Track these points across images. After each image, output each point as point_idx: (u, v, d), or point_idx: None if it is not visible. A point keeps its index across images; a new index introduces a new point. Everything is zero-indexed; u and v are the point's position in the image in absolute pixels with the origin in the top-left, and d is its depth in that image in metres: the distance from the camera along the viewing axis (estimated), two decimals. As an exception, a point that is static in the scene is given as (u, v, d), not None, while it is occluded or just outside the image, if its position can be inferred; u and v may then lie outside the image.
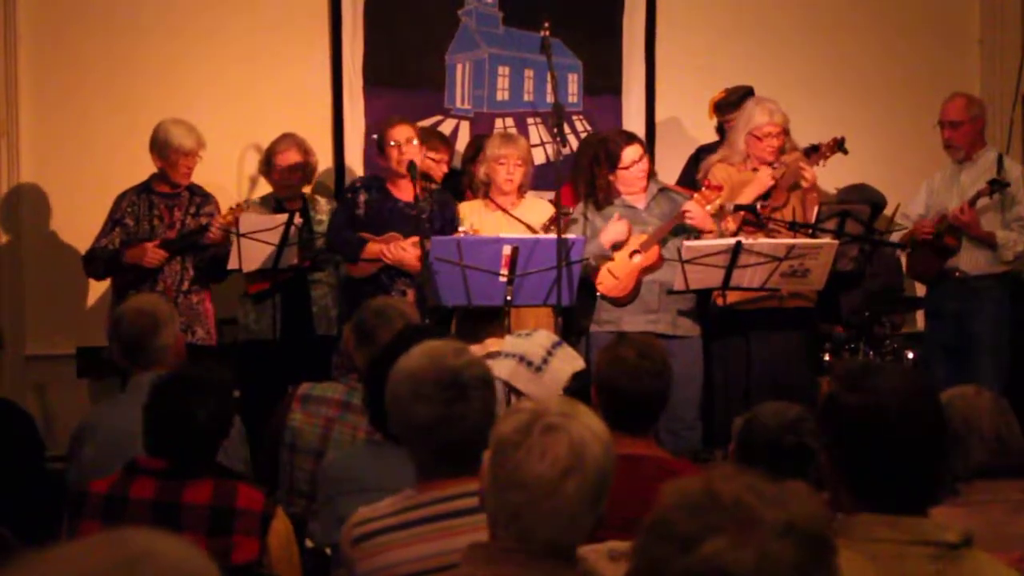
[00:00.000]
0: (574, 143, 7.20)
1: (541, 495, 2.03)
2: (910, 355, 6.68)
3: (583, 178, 6.14)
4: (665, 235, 5.78)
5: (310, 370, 4.99)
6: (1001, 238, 6.16)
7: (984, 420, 3.08)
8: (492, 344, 5.34)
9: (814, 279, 5.61)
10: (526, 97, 7.38)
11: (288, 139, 6.44)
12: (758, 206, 5.78)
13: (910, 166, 7.20)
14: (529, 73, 7.38)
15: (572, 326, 5.86)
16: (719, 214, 5.81)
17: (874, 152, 7.29)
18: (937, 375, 6.04)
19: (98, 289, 6.63)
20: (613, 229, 5.75)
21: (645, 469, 3.19)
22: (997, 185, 6.09)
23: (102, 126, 6.84)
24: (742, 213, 5.84)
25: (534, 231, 5.84)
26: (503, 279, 5.41)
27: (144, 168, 6.20)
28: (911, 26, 7.80)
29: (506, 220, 5.92)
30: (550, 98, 6.36)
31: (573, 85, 7.42)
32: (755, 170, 5.98)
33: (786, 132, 5.98)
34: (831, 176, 6.61)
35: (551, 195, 6.45)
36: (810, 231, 5.83)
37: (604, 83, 7.45)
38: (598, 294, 5.82)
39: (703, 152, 6.57)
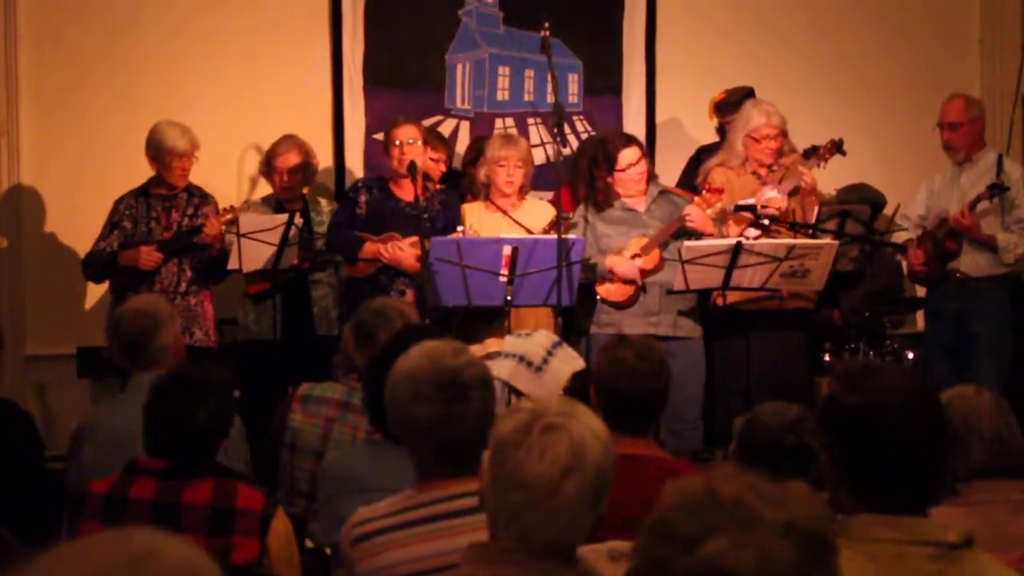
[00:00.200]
0: (574, 143, 7.21)
1: (541, 495, 2.03)
2: (910, 355, 6.68)
3: (582, 180, 6.14)
4: (666, 238, 5.78)
5: (310, 370, 4.99)
6: (1002, 241, 6.16)
7: (984, 420, 3.08)
8: (492, 344, 5.34)
9: (814, 279, 5.61)
10: (526, 97, 7.38)
11: (289, 141, 6.44)
12: (758, 206, 5.78)
13: (910, 166, 7.20)
14: (529, 73, 7.38)
15: (572, 326, 5.86)
16: (720, 218, 5.81)
17: (874, 152, 7.29)
18: (937, 375, 6.04)
19: (98, 289, 6.62)
20: (623, 266, 5.73)
21: (645, 469, 3.19)
22: (997, 189, 6.08)
23: (102, 126, 6.84)
24: (742, 216, 5.82)
25: (534, 234, 5.83)
26: (503, 279, 5.41)
27: (144, 168, 6.20)
28: (911, 26, 7.80)
29: (506, 222, 5.92)
30: (550, 98, 6.36)
31: (573, 85, 7.42)
32: (754, 173, 5.98)
33: (784, 134, 5.98)
34: (831, 176, 6.60)
35: (551, 195, 6.47)
36: (810, 231, 5.83)
37: (604, 83, 7.45)
38: (598, 298, 5.82)
39: (703, 153, 6.57)
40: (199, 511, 3.09)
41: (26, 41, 6.85)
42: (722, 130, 6.61)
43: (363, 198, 6.09)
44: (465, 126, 7.28)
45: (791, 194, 5.91)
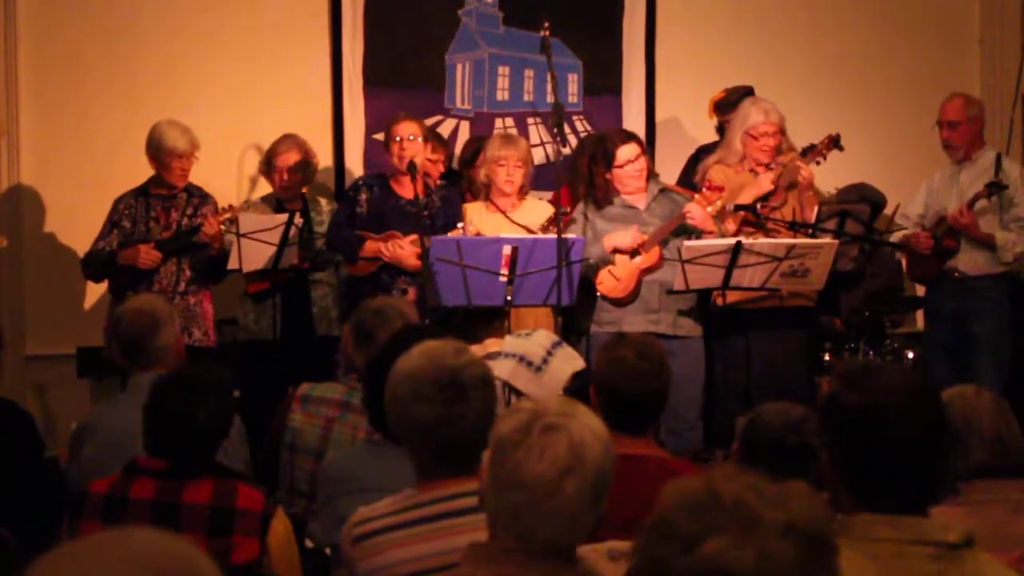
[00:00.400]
0: (574, 143, 7.20)
1: (541, 495, 2.03)
2: (910, 355, 6.68)
3: (581, 178, 6.14)
4: (666, 236, 5.78)
5: (310, 370, 4.98)
6: (1000, 239, 6.16)
7: (984, 420, 3.08)
8: (492, 344, 5.34)
9: (814, 279, 5.61)
10: (526, 97, 7.38)
11: (289, 140, 6.44)
12: (758, 206, 5.78)
13: (910, 166, 7.20)
14: (529, 73, 7.38)
15: (572, 326, 5.86)
16: (719, 215, 5.81)
17: (874, 152, 7.29)
18: (937, 375, 6.04)
19: (98, 289, 6.62)
20: (622, 236, 5.73)
21: (645, 469, 3.19)
22: (995, 187, 6.09)
23: (102, 126, 6.84)
24: (741, 214, 5.84)
25: (533, 233, 5.83)
26: (503, 279, 5.41)
27: (144, 168, 6.20)
28: (911, 26, 7.80)
29: (506, 222, 5.93)
30: (550, 98, 6.36)
31: (573, 85, 7.43)
32: (752, 171, 5.99)
33: (782, 131, 5.98)
34: (831, 176, 6.61)
35: (550, 195, 6.47)
36: (810, 231, 5.83)
37: (604, 83, 7.45)
38: (598, 294, 5.82)
39: (703, 152, 6.57)
40: (199, 511, 3.09)
41: (26, 41, 6.85)
42: (722, 129, 6.61)
43: (363, 196, 6.09)
44: (465, 126, 7.28)
45: (788, 188, 5.92)
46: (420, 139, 5.99)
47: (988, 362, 6.14)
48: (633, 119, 7.41)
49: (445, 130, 7.20)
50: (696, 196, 5.77)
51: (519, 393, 3.89)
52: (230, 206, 6.12)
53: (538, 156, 7.03)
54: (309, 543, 3.60)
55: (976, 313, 6.20)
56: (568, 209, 6.01)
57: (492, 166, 5.99)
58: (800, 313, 5.95)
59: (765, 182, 5.86)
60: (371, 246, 5.97)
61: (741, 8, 7.62)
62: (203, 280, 6.20)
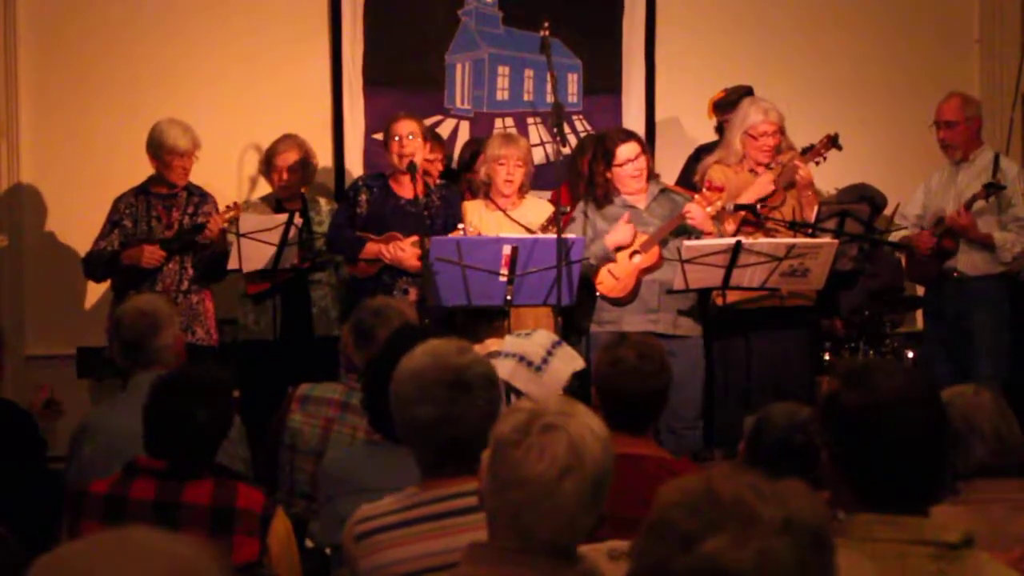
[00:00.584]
0: (574, 143, 7.20)
1: (540, 494, 2.03)
2: (910, 354, 6.68)
3: (581, 177, 6.14)
4: (665, 235, 5.78)
5: (310, 370, 4.98)
6: (998, 240, 6.16)
7: (984, 419, 3.09)
8: (492, 344, 5.33)
9: (814, 279, 5.61)
10: (526, 97, 7.38)
11: (288, 140, 6.44)
12: (758, 206, 5.78)
13: (910, 165, 7.19)
14: (529, 73, 7.38)
15: (572, 326, 5.86)
16: (719, 216, 5.81)
17: (874, 151, 7.29)
18: (937, 374, 6.03)
19: (98, 289, 6.63)
20: (620, 232, 5.74)
21: (645, 468, 3.19)
22: (993, 188, 6.08)
23: (102, 126, 6.85)
24: (741, 214, 5.84)
25: (533, 232, 5.84)
26: (503, 279, 5.41)
27: (144, 168, 6.20)
28: (910, 26, 7.80)
29: (507, 221, 5.93)
30: (550, 98, 6.36)
31: (573, 85, 7.43)
32: (752, 171, 5.99)
33: (782, 131, 5.98)
34: (831, 176, 6.61)
35: (550, 195, 6.47)
36: (810, 231, 5.83)
37: (604, 83, 7.45)
38: (598, 294, 5.82)
39: (703, 152, 6.57)
40: (199, 511, 3.09)
41: (26, 41, 6.86)
42: (721, 129, 6.61)
43: (363, 197, 6.09)
44: (465, 126, 7.29)
45: (787, 187, 5.92)
46: (419, 138, 5.99)
47: (987, 362, 6.13)
48: (633, 119, 7.41)
49: (445, 130, 7.20)
50: (696, 196, 5.77)
51: (519, 393, 3.89)
52: (234, 204, 6.12)
53: (538, 156, 7.03)
54: (309, 543, 3.60)
55: (975, 313, 6.20)
56: (568, 208, 6.01)
57: (492, 165, 5.99)
58: (799, 313, 5.95)
59: (765, 183, 5.86)
60: (372, 248, 5.97)
61: (741, 8, 7.62)
62: (204, 279, 6.20)
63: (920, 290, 6.95)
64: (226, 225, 6.01)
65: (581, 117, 7.45)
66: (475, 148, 6.61)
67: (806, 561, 1.44)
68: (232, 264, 5.97)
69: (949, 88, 6.60)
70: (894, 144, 7.56)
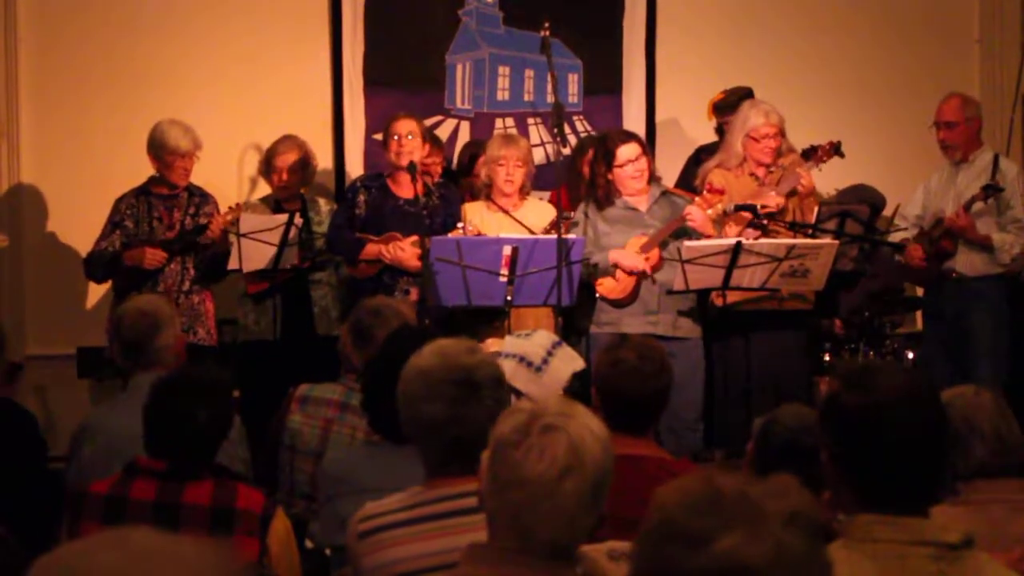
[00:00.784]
0: (574, 144, 7.20)
1: (540, 495, 2.03)
2: (910, 355, 6.68)
3: (580, 178, 6.15)
4: (665, 238, 5.78)
5: (310, 371, 4.98)
6: (997, 241, 6.16)
7: (984, 420, 3.09)
8: (492, 344, 5.33)
9: (814, 280, 5.61)
10: (526, 97, 7.38)
11: (288, 140, 6.44)
12: (758, 206, 5.78)
13: (910, 166, 7.19)
14: (529, 73, 7.38)
15: (572, 326, 5.86)
16: (720, 219, 5.81)
17: (873, 152, 7.28)
18: (937, 375, 6.03)
19: (98, 289, 6.63)
20: (629, 258, 5.74)
21: (645, 469, 3.19)
22: (991, 190, 6.07)
23: (102, 126, 6.85)
24: (744, 217, 5.82)
25: (535, 234, 5.83)
26: (503, 279, 5.41)
27: (144, 168, 6.20)
28: (910, 26, 7.80)
29: (508, 222, 5.92)
30: (550, 98, 6.36)
31: (573, 85, 7.43)
32: (752, 175, 5.99)
33: (782, 133, 5.98)
34: (830, 177, 6.60)
35: (549, 195, 6.47)
36: (810, 231, 5.83)
37: (604, 83, 7.45)
38: (598, 295, 5.82)
39: (703, 153, 6.57)
40: (199, 512, 3.10)
41: (26, 42, 6.86)
42: (721, 130, 6.61)
43: (361, 198, 6.09)
44: (465, 126, 7.29)
45: (788, 195, 5.92)
46: (418, 138, 5.99)
47: (986, 362, 6.13)
48: (633, 119, 7.41)
49: (445, 130, 7.20)
50: (697, 199, 5.77)
51: (519, 393, 3.89)
52: (237, 204, 6.12)
53: (538, 156, 7.03)
54: (309, 544, 3.59)
55: (974, 314, 6.20)
56: (571, 214, 6.00)
57: (492, 166, 5.99)
58: (798, 315, 5.95)
59: (772, 201, 5.81)
60: (371, 248, 5.97)
61: (741, 9, 7.62)
62: (205, 280, 6.20)
63: (920, 291, 6.95)
64: (228, 226, 6.02)
65: (581, 117, 7.45)
66: (474, 151, 6.62)
67: (812, 549, 1.45)
68: (232, 264, 5.97)
69: (949, 89, 6.60)
70: (894, 145, 7.55)
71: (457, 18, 7.30)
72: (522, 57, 7.35)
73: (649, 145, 6.63)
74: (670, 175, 6.86)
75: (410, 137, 5.96)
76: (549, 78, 6.09)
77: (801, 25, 7.68)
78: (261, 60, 7.03)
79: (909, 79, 7.69)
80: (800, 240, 5.64)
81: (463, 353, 2.68)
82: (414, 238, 5.84)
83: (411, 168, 5.83)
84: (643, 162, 5.83)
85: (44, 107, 6.87)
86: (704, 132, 6.98)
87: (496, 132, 6.93)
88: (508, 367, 3.94)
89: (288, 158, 6.39)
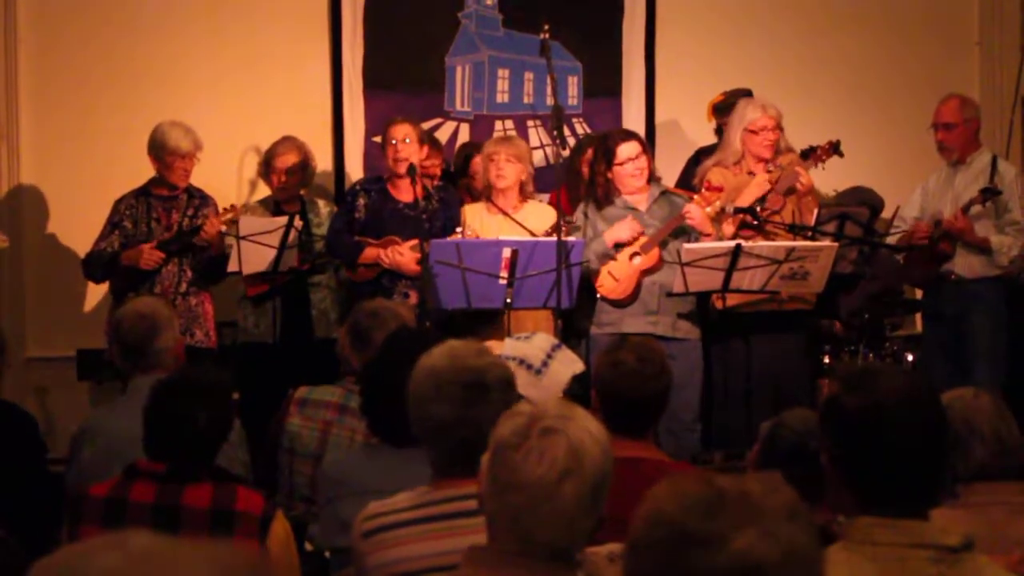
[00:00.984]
0: (574, 145, 7.20)
1: (539, 497, 2.03)
2: (909, 357, 6.68)
3: (579, 179, 6.15)
4: (665, 237, 5.78)
5: (310, 373, 4.99)
6: (995, 243, 6.16)
7: (984, 422, 3.09)
8: (492, 346, 5.33)
9: (814, 282, 5.62)
10: (526, 99, 7.38)
11: (288, 142, 6.44)
12: (757, 208, 5.78)
13: (909, 168, 7.19)
14: (529, 75, 7.38)
15: (572, 328, 5.86)
16: (718, 217, 5.81)
17: (873, 154, 7.28)
18: (936, 377, 6.03)
19: (98, 291, 6.63)
20: (620, 227, 5.74)
21: (645, 471, 3.19)
22: (989, 193, 6.07)
23: (102, 126, 6.85)
24: (740, 217, 5.84)
25: (535, 236, 5.83)
26: (503, 281, 5.41)
27: (144, 169, 6.20)
28: (910, 28, 7.80)
29: (508, 224, 5.92)
30: (550, 100, 6.36)
31: (573, 87, 7.43)
32: (751, 173, 5.99)
33: (780, 128, 5.99)
34: (830, 178, 6.61)
35: (548, 196, 6.47)
36: (809, 234, 5.83)
37: (604, 85, 7.45)
38: (598, 296, 5.83)
39: (702, 154, 6.57)
40: (199, 514, 3.09)
41: (26, 42, 6.86)
42: (721, 132, 6.61)
43: (361, 201, 6.09)
44: (465, 128, 7.29)
45: (787, 194, 5.92)
46: (415, 142, 5.98)
47: (985, 364, 6.13)
48: (633, 121, 7.40)
49: (445, 132, 7.20)
50: (695, 197, 5.78)
51: (519, 396, 3.89)
52: (232, 206, 6.12)
53: (537, 159, 7.03)
54: (309, 546, 3.59)
55: (973, 315, 6.20)
56: (573, 219, 5.99)
57: (486, 162, 6.00)
58: (798, 317, 5.96)
59: (761, 183, 5.86)
60: (370, 252, 5.97)
61: (741, 11, 7.62)
62: (203, 281, 6.20)
63: (919, 293, 6.95)
64: (224, 228, 6.01)
65: (581, 120, 7.45)
66: (469, 151, 6.62)
67: (814, 542, 1.47)
68: (232, 266, 5.97)
69: (948, 90, 6.60)
70: (893, 147, 7.55)
71: (456, 20, 7.30)
72: (522, 59, 7.35)
73: (649, 147, 6.64)
74: (670, 176, 6.86)
75: (407, 141, 5.95)
76: (549, 80, 6.10)
77: (801, 27, 7.68)
78: (261, 62, 7.03)
79: (909, 81, 7.70)
80: (800, 242, 5.64)
81: (473, 355, 2.69)
82: (413, 242, 5.84)
83: (411, 171, 5.83)
84: (643, 161, 5.83)
85: (44, 108, 6.87)
86: (704, 134, 6.99)
87: (495, 134, 6.93)
88: (508, 369, 3.94)
89: (287, 160, 6.39)
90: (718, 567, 1.41)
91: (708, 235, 5.72)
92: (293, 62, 7.08)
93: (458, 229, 5.77)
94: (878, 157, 7.37)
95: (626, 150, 5.81)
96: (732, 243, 5.47)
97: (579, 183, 6.20)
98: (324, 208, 6.49)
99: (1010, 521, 2.92)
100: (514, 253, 5.40)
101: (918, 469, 2.14)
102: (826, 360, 6.57)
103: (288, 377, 5.21)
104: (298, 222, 6.10)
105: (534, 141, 7.24)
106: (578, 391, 3.81)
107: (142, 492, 3.13)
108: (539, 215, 6.01)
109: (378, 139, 6.61)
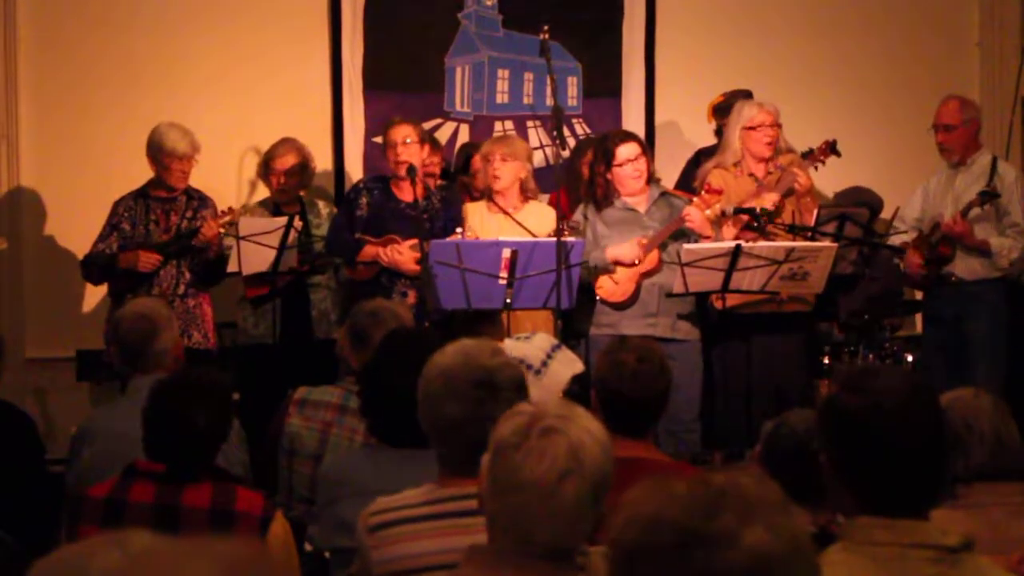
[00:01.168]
0: (574, 146, 7.20)
1: (539, 497, 2.03)
2: (909, 358, 6.68)
3: (579, 179, 6.15)
4: (664, 239, 5.78)
5: (309, 374, 4.99)
6: (995, 245, 6.15)
7: (984, 422, 3.09)
8: (491, 347, 5.33)
9: (814, 282, 5.62)
10: (525, 100, 7.38)
11: (287, 143, 6.44)
12: (757, 209, 5.78)
13: (909, 169, 7.19)
14: (529, 76, 7.38)
15: (571, 329, 5.87)
16: (718, 220, 5.81)
17: (873, 155, 7.29)
18: (936, 378, 6.03)
19: (97, 292, 6.62)
20: (625, 250, 5.74)
21: (645, 471, 3.18)
22: (987, 196, 6.06)
23: (102, 128, 6.85)
24: (742, 219, 5.83)
25: (536, 237, 5.83)
26: (502, 282, 5.41)
27: (144, 170, 6.20)
28: (910, 29, 7.80)
29: (508, 223, 5.92)
30: (549, 101, 6.36)
31: (572, 88, 7.42)
32: (751, 175, 5.99)
33: (778, 126, 5.99)
34: (829, 179, 6.61)
35: (548, 197, 6.47)
36: (809, 234, 5.83)
37: (603, 86, 7.45)
38: (598, 298, 5.83)
39: (702, 155, 6.57)
40: (198, 514, 3.10)
41: (26, 42, 6.86)
42: (720, 133, 6.61)
43: (363, 200, 6.09)
44: (464, 129, 7.29)
45: (786, 195, 5.92)
46: (416, 142, 5.98)
47: (985, 365, 6.13)
48: (632, 122, 7.40)
49: (445, 133, 7.20)
50: (695, 199, 5.77)
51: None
52: (230, 208, 6.12)
53: (537, 159, 7.02)
54: (308, 547, 3.59)
55: (973, 317, 6.20)
56: (576, 222, 5.99)
57: (483, 163, 6.00)
58: (797, 318, 5.96)
59: (769, 200, 5.83)
60: (369, 250, 5.96)
61: (740, 12, 7.62)
62: (201, 283, 6.20)
63: (919, 294, 6.95)
64: (222, 229, 6.01)
65: (581, 120, 7.45)
66: (470, 151, 6.62)
67: (807, 532, 1.49)
68: (232, 267, 5.97)
69: (949, 91, 6.60)
70: (893, 148, 7.56)
71: (456, 21, 7.30)
72: (521, 60, 7.35)
73: (648, 148, 6.64)
74: (670, 178, 6.87)
75: (407, 142, 5.95)
76: (548, 81, 6.09)
77: (801, 28, 7.68)
78: (260, 63, 7.03)
79: (909, 82, 7.70)
80: (799, 243, 5.64)
81: (486, 355, 2.70)
82: (413, 241, 5.83)
83: (411, 172, 5.83)
84: (642, 162, 5.83)
85: (43, 109, 6.87)
86: (704, 135, 6.99)
87: (495, 134, 6.93)
88: (508, 370, 3.94)
89: (287, 161, 6.39)
90: (733, 565, 1.41)
91: (708, 238, 5.72)
92: (293, 62, 7.08)
93: (459, 229, 5.77)
94: (878, 157, 7.38)
95: (625, 151, 5.81)
96: (732, 243, 5.47)
97: (579, 184, 6.20)
98: (324, 209, 6.49)
99: (1010, 521, 2.92)
100: (514, 253, 5.40)
101: (918, 469, 2.14)
102: (826, 361, 6.56)
103: (288, 378, 5.21)
104: (298, 223, 6.10)
105: (534, 142, 7.24)
106: (578, 391, 3.81)
107: (141, 492, 3.13)
108: (539, 215, 6.00)
109: (378, 139, 6.62)
